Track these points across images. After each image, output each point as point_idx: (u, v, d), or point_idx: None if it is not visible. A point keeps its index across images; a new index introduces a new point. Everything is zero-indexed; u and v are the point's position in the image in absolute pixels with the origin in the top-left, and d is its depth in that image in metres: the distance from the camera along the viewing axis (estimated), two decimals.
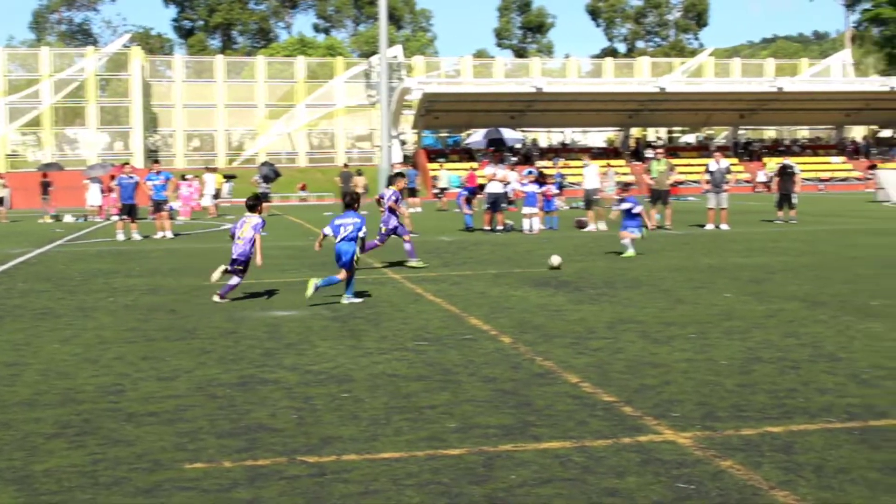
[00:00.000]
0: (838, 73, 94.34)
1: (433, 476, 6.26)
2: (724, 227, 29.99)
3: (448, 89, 75.70)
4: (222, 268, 15.42)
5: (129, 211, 30.98)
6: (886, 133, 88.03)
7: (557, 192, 33.20)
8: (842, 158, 79.25)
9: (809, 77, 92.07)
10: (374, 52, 79.50)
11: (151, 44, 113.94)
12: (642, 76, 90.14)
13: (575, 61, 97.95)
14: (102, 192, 46.18)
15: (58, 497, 6.00)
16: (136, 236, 30.42)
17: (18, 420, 7.86)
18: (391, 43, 77.20)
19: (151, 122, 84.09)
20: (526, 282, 16.91)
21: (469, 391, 8.58)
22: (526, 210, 30.40)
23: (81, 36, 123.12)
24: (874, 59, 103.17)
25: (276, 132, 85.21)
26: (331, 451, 6.83)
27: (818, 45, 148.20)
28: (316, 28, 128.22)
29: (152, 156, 75.27)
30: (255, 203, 15.91)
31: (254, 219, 15.55)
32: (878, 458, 6.44)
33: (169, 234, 31.24)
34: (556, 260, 18.34)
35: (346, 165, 53.74)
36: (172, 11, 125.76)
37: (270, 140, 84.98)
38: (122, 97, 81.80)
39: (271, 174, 48.03)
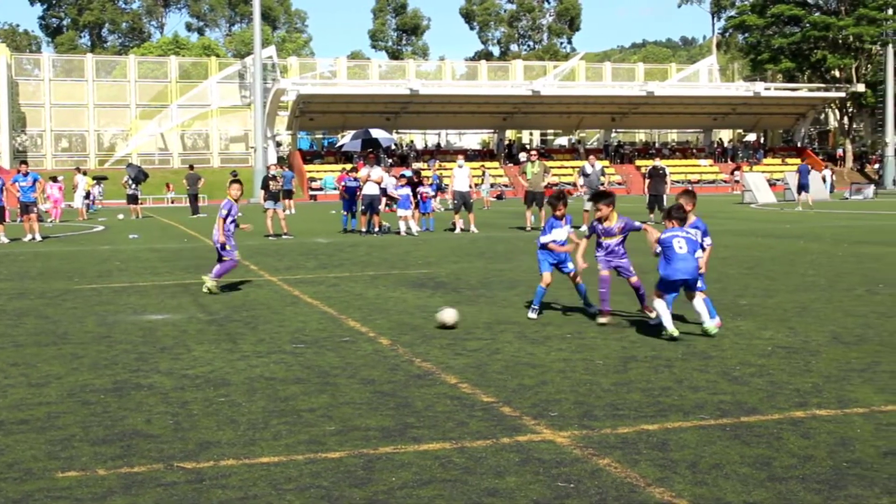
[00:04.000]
0: (706, 79, 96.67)
1: (313, 480, 6.22)
2: None
3: (323, 90, 75.50)
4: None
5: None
6: (751, 137, 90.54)
7: (433, 193, 33.28)
8: (709, 161, 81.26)
9: (678, 82, 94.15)
10: (248, 53, 78.83)
11: (18, 41, 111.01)
12: (516, 79, 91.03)
13: (450, 64, 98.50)
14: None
15: None
16: (3, 239, 29.63)
17: None
18: (266, 44, 76.58)
19: (19, 122, 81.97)
20: (403, 283, 16.94)
21: (348, 393, 8.55)
22: (400, 212, 30.46)
23: None
24: (739, 64, 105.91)
25: (148, 133, 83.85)
26: (208, 457, 6.74)
27: (686, 50, 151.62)
28: (189, 28, 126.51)
29: (20, 156, 73.33)
30: None
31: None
32: (750, 454, 6.60)
33: (37, 237, 30.49)
34: (448, 317, 12.07)
35: (191, 167, 53.07)
36: (39, 9, 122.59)
37: (143, 140, 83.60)
38: None
39: (140, 176, 47.30)
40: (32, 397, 8.62)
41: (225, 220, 16.67)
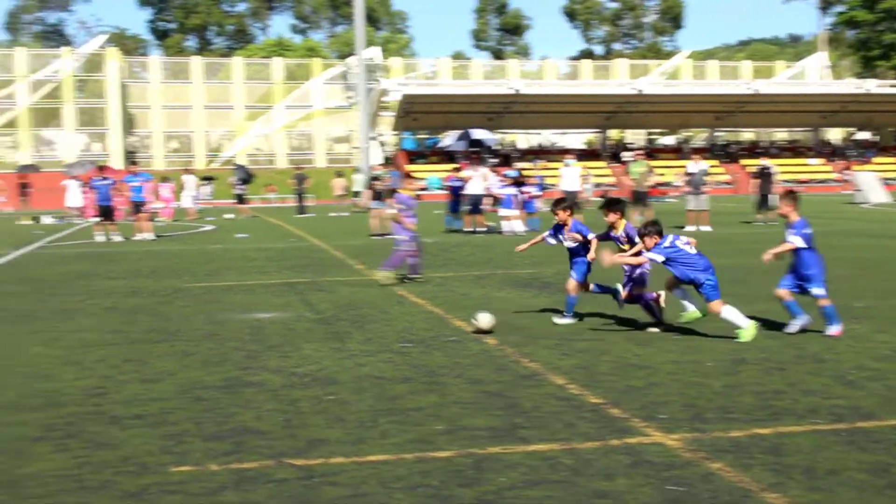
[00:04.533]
0: (814, 76, 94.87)
1: (422, 479, 6.23)
2: (704, 228, 30.04)
3: (426, 91, 75.71)
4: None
5: (105, 213, 30.89)
6: (863, 135, 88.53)
7: (538, 193, 33.16)
8: (820, 160, 79.64)
9: (786, 79, 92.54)
10: (351, 54, 79.40)
11: (127, 45, 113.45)
12: (619, 78, 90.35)
13: (552, 63, 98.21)
14: (83, 190, 45.98)
15: (44, 501, 5.95)
16: (116, 238, 30.28)
17: (2, 423, 7.79)
18: (369, 44, 77.07)
19: (129, 124, 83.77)
20: (508, 283, 16.90)
21: (455, 393, 8.56)
22: (504, 212, 30.41)
23: (56, 37, 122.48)
24: (849, 61, 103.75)
25: (254, 133, 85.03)
26: (318, 454, 6.80)
27: (793, 47, 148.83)
28: (293, 29, 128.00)
29: (130, 157, 74.94)
30: None
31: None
32: (867, 460, 6.44)
33: (149, 236, 31.10)
34: (485, 321, 11.76)
35: (299, 167, 53.59)
36: (148, 13, 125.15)
37: (249, 141, 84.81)
38: (98, 98, 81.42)
39: (246, 176, 47.97)
40: (146, 393, 8.79)
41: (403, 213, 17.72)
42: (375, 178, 31.66)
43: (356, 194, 51.77)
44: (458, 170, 34.11)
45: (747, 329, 10.87)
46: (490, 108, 74.57)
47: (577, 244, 12.51)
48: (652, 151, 77.40)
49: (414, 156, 75.16)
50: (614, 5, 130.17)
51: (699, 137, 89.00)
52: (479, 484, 6.12)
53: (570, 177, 32.10)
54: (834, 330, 10.96)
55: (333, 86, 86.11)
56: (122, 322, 13.19)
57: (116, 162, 74.84)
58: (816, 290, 11.05)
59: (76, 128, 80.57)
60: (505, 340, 11.10)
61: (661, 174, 61.16)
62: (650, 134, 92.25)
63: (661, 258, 11.24)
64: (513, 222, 30.28)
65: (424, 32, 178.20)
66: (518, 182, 32.13)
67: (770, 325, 11.51)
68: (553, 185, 42.70)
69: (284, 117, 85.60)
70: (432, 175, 66.83)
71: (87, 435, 7.40)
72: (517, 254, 22.53)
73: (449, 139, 77.92)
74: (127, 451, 6.96)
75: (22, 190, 48.61)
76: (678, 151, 78.69)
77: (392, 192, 37.37)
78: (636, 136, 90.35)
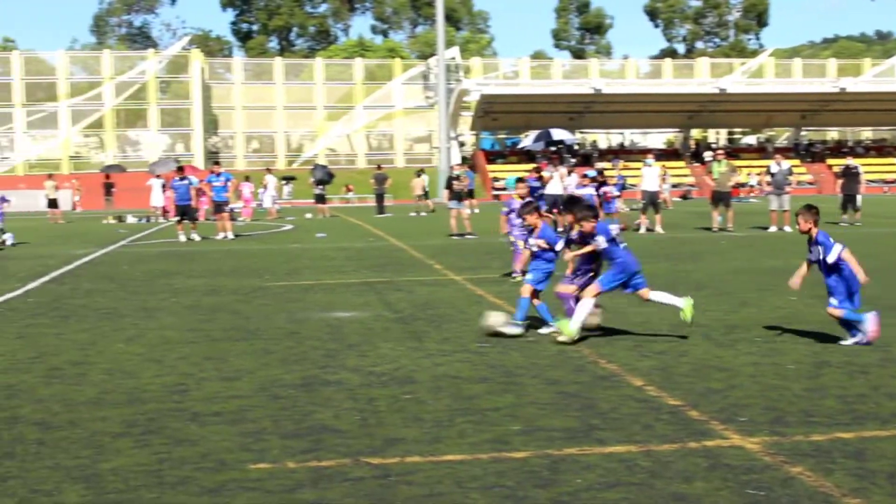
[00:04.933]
0: None
1: (498, 479, 6.21)
2: (787, 229, 29.62)
3: (506, 91, 75.72)
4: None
5: (184, 212, 31.31)
6: None
7: (618, 193, 32.95)
8: None
9: (873, 77, 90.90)
10: (432, 54, 79.63)
11: (210, 47, 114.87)
12: (702, 77, 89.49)
13: (633, 62, 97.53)
14: (164, 188, 46.65)
15: (124, 496, 6.03)
16: (196, 237, 30.67)
17: (85, 419, 7.92)
18: (449, 44, 77.21)
19: (211, 124, 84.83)
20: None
21: (532, 393, 8.53)
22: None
23: (141, 39, 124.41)
24: None
25: (335, 134, 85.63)
26: (394, 453, 6.81)
27: (881, 44, 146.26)
28: (374, 30, 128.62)
29: (213, 157, 75.88)
30: None
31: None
32: None
33: (230, 236, 31.45)
34: (496, 320, 11.61)
35: (379, 167, 53.79)
36: (231, 15, 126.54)
37: (330, 142, 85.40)
38: (182, 99, 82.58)
39: (325, 177, 48.25)
40: (225, 390, 8.88)
41: (507, 216, 17.97)
42: (454, 179, 31.66)
43: (420, 197, 52.09)
44: (536, 170, 33.97)
45: (686, 307, 10.92)
46: (570, 107, 74.31)
47: (539, 251, 11.97)
48: (734, 151, 76.55)
49: (493, 156, 75.13)
50: (697, 3, 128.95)
51: (782, 137, 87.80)
52: (554, 485, 6.08)
53: (650, 177, 31.81)
54: (855, 338, 10.45)
55: (414, 86, 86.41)
56: (202, 320, 13.34)
57: (199, 162, 75.86)
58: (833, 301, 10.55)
59: (160, 128, 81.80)
60: (583, 341, 11.03)
61: (749, 174, 60.55)
62: (732, 133, 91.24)
63: (603, 241, 11.04)
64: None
65: (505, 32, 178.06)
66: (598, 182, 31.95)
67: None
68: (634, 185, 42.45)
69: (365, 117, 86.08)
70: (511, 175, 66.70)
71: (168, 431, 7.49)
72: None
73: (529, 139, 77.80)
74: (206, 447, 7.03)
75: (107, 190, 49.44)
76: (761, 151, 77.71)
77: (470, 192, 37.35)
78: (718, 136, 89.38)
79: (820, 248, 10.58)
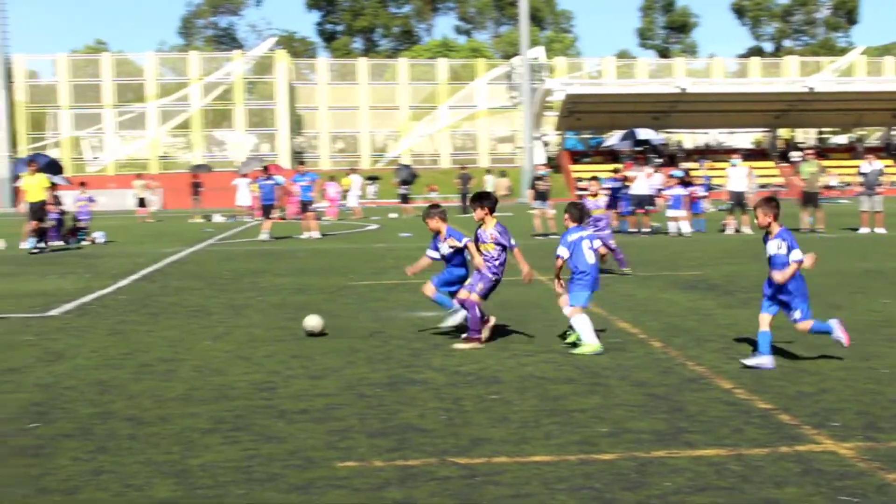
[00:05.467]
0: None
1: (585, 481, 6.17)
2: (879, 230, 29.06)
3: (590, 90, 75.29)
4: None
5: (268, 211, 31.62)
6: None
7: (705, 194, 32.60)
8: None
9: None
10: (516, 54, 79.50)
11: (296, 47, 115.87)
12: (790, 76, 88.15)
13: (720, 61, 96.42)
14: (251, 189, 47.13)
15: (213, 491, 6.09)
16: (265, 236, 30.55)
17: (175, 415, 8.02)
18: (533, 44, 77.03)
19: (297, 124, 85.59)
20: (674, 284, 16.65)
21: (619, 395, 8.46)
22: (670, 212, 30.00)
23: (227, 40, 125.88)
24: None
25: (418, 134, 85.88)
26: (481, 453, 6.80)
27: None
28: (458, 30, 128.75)
29: (298, 157, 76.57)
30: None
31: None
32: None
33: (316, 235, 31.68)
34: (311, 323, 11.88)
35: (463, 167, 53.81)
36: (316, 16, 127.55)
37: (413, 141, 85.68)
38: (267, 100, 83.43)
39: (409, 177, 48.42)
40: (312, 388, 8.94)
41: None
42: (538, 179, 31.57)
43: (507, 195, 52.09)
44: (616, 171, 33.72)
45: (589, 346, 10.39)
46: (655, 107, 73.69)
47: (452, 250, 11.76)
48: (823, 151, 75.24)
49: (577, 156, 74.81)
50: (785, 1, 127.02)
51: (874, 136, 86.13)
52: (643, 488, 6.02)
53: (736, 177, 31.40)
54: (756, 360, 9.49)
55: (497, 86, 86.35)
56: (289, 318, 13.44)
57: (284, 162, 76.55)
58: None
59: (246, 128, 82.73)
60: (670, 343, 10.93)
61: (838, 174, 59.47)
62: (821, 133, 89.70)
63: (565, 253, 10.78)
64: (680, 223, 29.85)
65: (589, 31, 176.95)
66: (684, 182, 31.65)
67: None
68: (720, 185, 41.95)
69: (448, 117, 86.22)
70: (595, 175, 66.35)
71: (256, 428, 7.56)
72: (683, 255, 22.27)
73: (614, 139, 77.34)
74: (294, 445, 7.08)
75: (194, 189, 50.10)
76: (851, 151, 76.37)
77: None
78: (807, 136, 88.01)
79: (778, 242, 9.80)
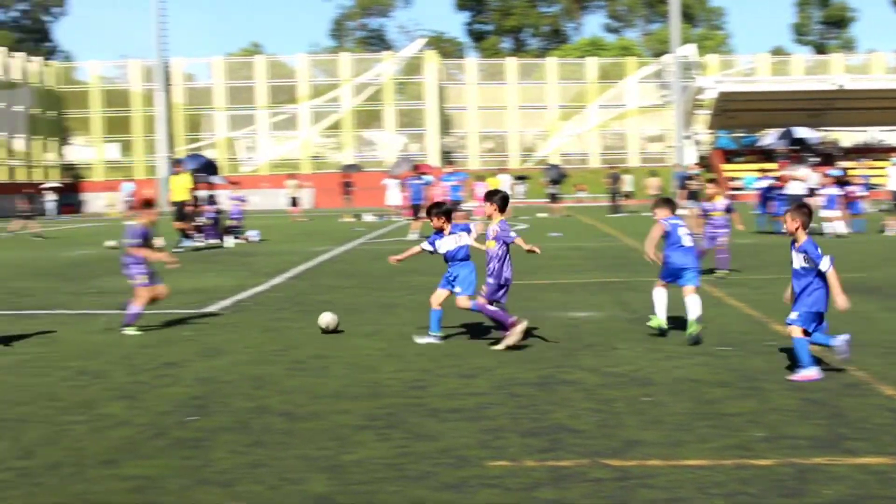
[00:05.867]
0: None
1: (741, 486, 6.05)
2: None
3: (743, 88, 73.84)
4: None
5: (417, 211, 31.86)
6: None
7: (864, 193, 31.67)
8: None
9: None
10: (666, 52, 78.54)
11: (445, 48, 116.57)
12: None
13: (879, 56, 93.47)
14: (401, 189, 47.59)
15: (367, 487, 6.16)
16: (414, 235, 30.98)
17: (328, 411, 8.14)
18: (684, 41, 75.97)
19: (445, 124, 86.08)
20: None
21: (776, 400, 8.27)
22: (825, 213, 29.22)
23: (377, 41, 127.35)
24: None
25: (567, 133, 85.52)
26: (634, 455, 6.72)
27: None
28: (607, 28, 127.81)
29: (447, 157, 76.99)
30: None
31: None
32: None
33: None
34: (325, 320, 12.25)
35: (613, 167, 53.31)
36: (465, 16, 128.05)
37: (562, 141, 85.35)
38: (417, 100, 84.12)
39: (558, 177, 48.23)
40: (464, 387, 8.97)
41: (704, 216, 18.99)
42: (689, 178, 31.12)
43: (628, 195, 51.72)
44: (764, 171, 33.02)
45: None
46: (811, 104, 71.81)
47: (458, 247, 11.79)
48: None
49: (730, 155, 73.48)
50: None
51: None
52: (801, 495, 5.88)
53: None
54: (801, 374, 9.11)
55: (648, 84, 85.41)
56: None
57: (433, 162, 77.07)
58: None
59: (396, 129, 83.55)
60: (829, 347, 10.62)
61: None
62: None
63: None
64: (835, 223, 29.05)
65: (742, 28, 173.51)
66: (842, 182, 30.80)
67: None
68: (879, 185, 40.69)
69: (598, 117, 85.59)
70: (748, 175, 65.10)
71: (408, 426, 7.62)
72: (840, 258, 21.63)
73: (769, 138, 75.73)
74: (445, 443, 7.11)
75: (345, 189, 50.83)
76: None
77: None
78: None
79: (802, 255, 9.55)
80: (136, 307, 12.63)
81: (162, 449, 7.11)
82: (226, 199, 32.20)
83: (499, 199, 11.54)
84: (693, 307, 11.08)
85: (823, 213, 29.27)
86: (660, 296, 11.54)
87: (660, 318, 11.48)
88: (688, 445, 6.94)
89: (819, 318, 9.26)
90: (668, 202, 12.02)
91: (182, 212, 27.24)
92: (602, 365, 9.84)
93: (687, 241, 11.49)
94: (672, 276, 11.53)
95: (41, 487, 6.26)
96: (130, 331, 12.55)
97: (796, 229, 9.55)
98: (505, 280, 11.30)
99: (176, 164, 29.06)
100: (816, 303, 9.21)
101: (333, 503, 5.93)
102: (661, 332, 11.35)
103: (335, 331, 12.06)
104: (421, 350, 10.89)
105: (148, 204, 13.49)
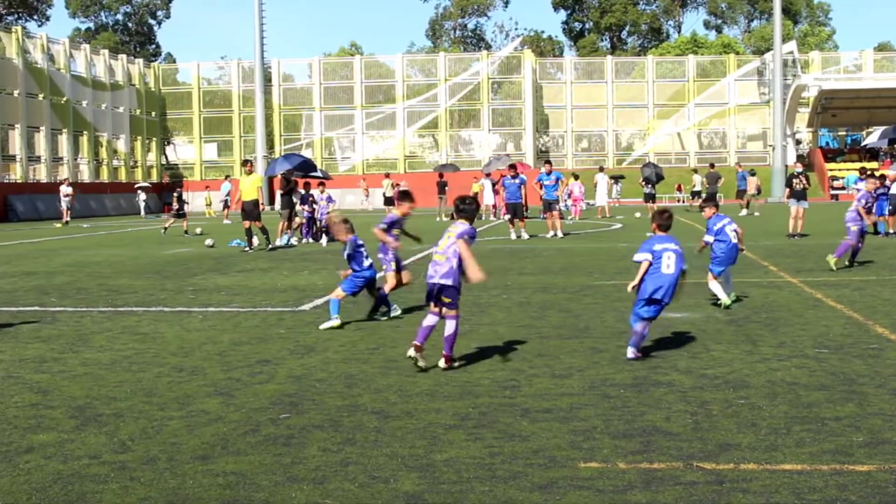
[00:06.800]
0: None
1: (839, 493, 5.90)
2: None
3: (846, 85, 72.46)
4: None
5: (513, 211, 31.75)
6: None
7: None
8: None
9: None
10: (768, 49, 77.36)
11: (542, 47, 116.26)
12: None
13: None
14: (494, 190, 47.56)
15: (457, 487, 6.13)
16: (524, 235, 31.03)
17: (420, 410, 8.13)
18: (786, 38, 74.73)
19: (542, 124, 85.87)
20: None
21: (876, 404, 8.06)
22: None
23: (474, 41, 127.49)
24: None
25: (664, 132, 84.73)
26: (728, 459, 6.60)
27: None
28: (707, 25, 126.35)
29: (543, 156, 76.79)
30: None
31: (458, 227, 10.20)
32: None
33: (559, 234, 31.68)
34: None
35: (712, 166, 52.64)
36: (563, 14, 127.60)
37: (659, 140, 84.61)
38: (513, 99, 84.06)
39: (653, 176, 47.76)
40: (555, 388, 8.90)
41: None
42: (795, 177, 30.54)
43: (696, 194, 51.15)
44: (863, 170, 32.26)
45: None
46: None
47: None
48: None
49: (831, 153, 72.17)
50: None
51: None
52: None
53: None
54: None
55: (748, 82, 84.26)
56: (533, 317, 13.47)
57: (529, 161, 76.93)
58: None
59: (491, 128, 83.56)
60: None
61: None
62: None
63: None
64: None
65: (847, 24, 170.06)
66: None
67: None
68: None
69: (696, 115, 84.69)
70: (851, 174, 63.83)
71: (499, 426, 7.58)
72: None
73: (873, 136, 74.21)
74: (537, 443, 7.06)
75: (440, 188, 50.94)
76: None
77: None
78: None
79: None
80: (383, 291, 13.79)
81: (254, 445, 7.16)
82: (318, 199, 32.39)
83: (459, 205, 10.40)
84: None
85: None
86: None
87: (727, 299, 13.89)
88: (784, 450, 6.80)
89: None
90: (711, 199, 14.51)
91: (254, 212, 27.46)
92: (697, 367, 9.70)
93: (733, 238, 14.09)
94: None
95: (136, 482, 6.35)
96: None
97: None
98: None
99: (246, 164, 29.30)
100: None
101: (423, 502, 5.92)
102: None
103: None
104: (514, 350, 10.85)
105: (405, 196, 14.43)
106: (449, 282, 9.88)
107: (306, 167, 42.29)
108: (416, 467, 6.54)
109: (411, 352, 9.77)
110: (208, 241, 29.79)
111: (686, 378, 9.17)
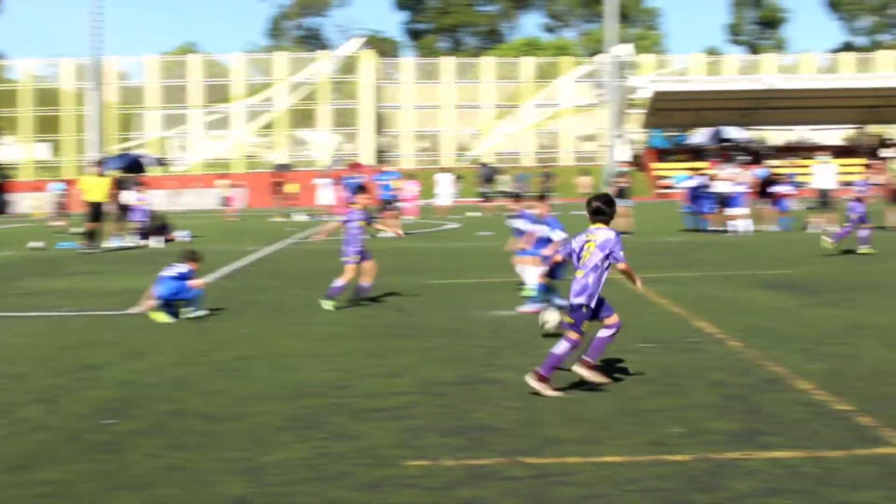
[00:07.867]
0: None
1: (657, 482, 6.10)
2: None
3: (676, 87, 74.49)
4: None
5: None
6: None
7: (792, 192, 32.07)
8: None
9: None
10: (602, 52, 78.95)
11: (382, 47, 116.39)
12: (884, 71, 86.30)
13: (810, 57, 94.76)
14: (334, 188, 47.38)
15: (284, 489, 6.13)
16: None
17: (249, 413, 8.08)
18: (621, 41, 76.42)
19: (380, 123, 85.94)
20: (756, 284, 16.38)
21: (695, 396, 8.35)
22: (729, 211, 29.49)
23: (314, 41, 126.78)
24: None
25: (501, 132, 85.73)
26: (553, 453, 6.75)
27: None
28: (545, 28, 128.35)
29: (380, 156, 76.90)
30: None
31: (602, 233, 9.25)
32: None
33: (394, 233, 31.69)
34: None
35: (546, 166, 53.69)
36: (404, 15, 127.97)
37: (496, 140, 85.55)
38: (352, 99, 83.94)
39: (490, 176, 48.47)
40: (386, 387, 8.94)
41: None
42: (618, 176, 31.32)
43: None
44: (694, 169, 33.37)
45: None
46: (743, 104, 72.73)
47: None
48: None
49: (661, 153, 74.14)
50: None
51: None
52: (715, 490, 5.94)
53: (823, 174, 30.86)
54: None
55: (583, 84, 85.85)
56: (366, 317, 13.49)
57: (367, 161, 76.92)
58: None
59: (330, 128, 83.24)
60: (751, 343, 10.75)
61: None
62: None
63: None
64: (737, 222, 29.28)
65: (678, 28, 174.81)
66: (769, 181, 31.19)
67: None
68: (805, 182, 41.23)
69: (533, 116, 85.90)
70: (679, 173, 65.72)
71: (329, 426, 7.59)
72: (766, 255, 21.92)
73: (700, 136, 76.49)
74: (365, 443, 7.09)
75: (276, 188, 50.54)
76: None
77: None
78: None
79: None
80: (340, 282, 14.16)
81: (78, 453, 7.01)
82: (134, 199, 31.40)
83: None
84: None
85: (728, 212, 29.50)
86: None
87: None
88: (606, 442, 6.98)
89: None
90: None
91: (97, 213, 26.77)
92: (526, 363, 9.81)
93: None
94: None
95: None
96: (328, 305, 14.02)
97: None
98: None
99: (96, 164, 28.53)
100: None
101: None
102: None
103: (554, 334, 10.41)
104: (345, 350, 10.85)
105: (362, 189, 15.91)
106: (581, 300, 8.90)
107: (137, 166, 41.48)
108: (243, 470, 6.50)
109: (586, 373, 8.65)
110: (34, 244, 28.86)
111: (516, 375, 9.28)
